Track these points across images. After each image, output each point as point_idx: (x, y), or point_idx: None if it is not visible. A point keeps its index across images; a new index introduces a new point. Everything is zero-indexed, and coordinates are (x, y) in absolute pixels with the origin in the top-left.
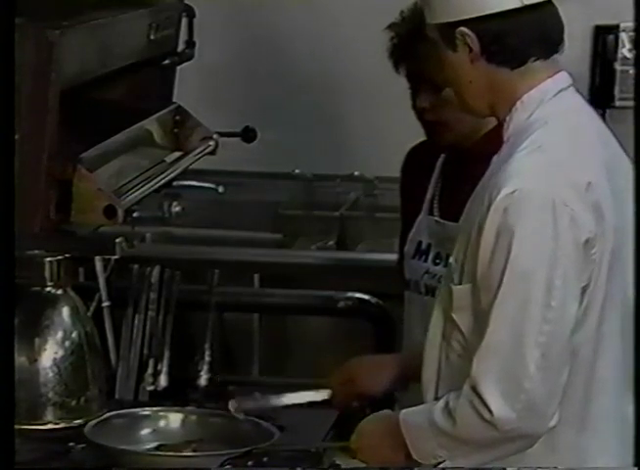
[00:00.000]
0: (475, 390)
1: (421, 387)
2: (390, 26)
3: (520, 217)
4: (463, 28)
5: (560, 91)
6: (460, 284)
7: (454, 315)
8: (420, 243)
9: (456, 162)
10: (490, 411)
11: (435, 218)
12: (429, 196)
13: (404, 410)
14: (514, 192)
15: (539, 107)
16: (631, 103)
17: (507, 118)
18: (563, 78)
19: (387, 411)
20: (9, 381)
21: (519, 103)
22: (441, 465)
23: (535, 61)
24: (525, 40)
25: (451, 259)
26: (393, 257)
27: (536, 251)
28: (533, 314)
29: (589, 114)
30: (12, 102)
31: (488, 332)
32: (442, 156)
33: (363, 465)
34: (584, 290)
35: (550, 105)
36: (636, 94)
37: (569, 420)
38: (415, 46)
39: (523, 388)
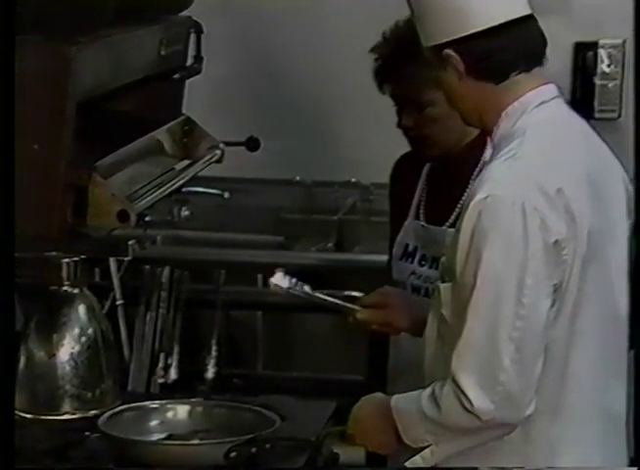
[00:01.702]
0: (455, 382)
1: (423, 376)
2: (374, 49)
3: (492, 220)
4: (447, 50)
5: (542, 103)
6: (446, 282)
7: (443, 311)
8: (407, 246)
9: (440, 170)
10: (470, 402)
11: (421, 223)
12: (415, 202)
13: (395, 396)
14: (487, 197)
15: (521, 117)
16: (610, 115)
17: (494, 128)
18: (547, 90)
19: (378, 394)
20: (9, 383)
21: (504, 114)
22: (428, 449)
23: (519, 74)
24: (508, 55)
25: (443, 259)
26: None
27: (508, 252)
28: (506, 311)
29: (574, 124)
30: (12, 108)
31: (466, 328)
32: (428, 164)
33: (360, 452)
34: (556, 288)
35: (531, 115)
36: (636, 100)
37: (542, 410)
38: (398, 67)
39: (499, 380)
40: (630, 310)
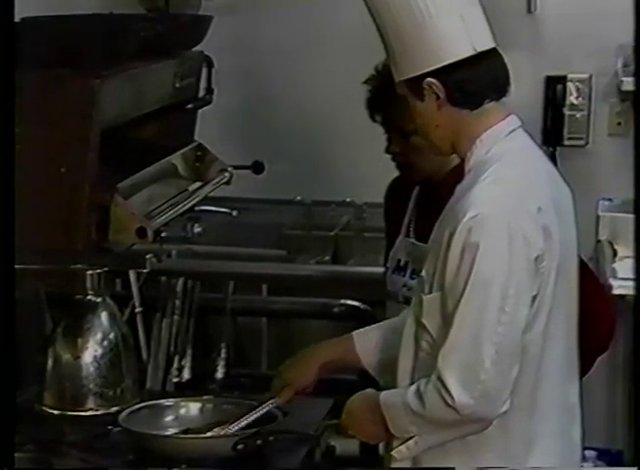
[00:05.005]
0: (440, 379)
1: (396, 379)
2: (367, 81)
3: (481, 237)
4: (430, 79)
5: (511, 131)
6: (430, 293)
7: (424, 320)
8: (399, 261)
9: (428, 192)
10: (452, 397)
11: (411, 240)
12: (406, 221)
13: (384, 392)
14: (476, 215)
15: (495, 144)
16: (578, 142)
17: (468, 154)
18: (513, 120)
19: (370, 390)
20: (9, 385)
21: (478, 141)
22: (412, 440)
23: (490, 102)
24: (481, 84)
25: (422, 273)
26: (379, 270)
27: (494, 265)
28: (490, 317)
29: (535, 150)
30: (12, 125)
31: (452, 332)
32: (417, 187)
33: (354, 445)
34: (534, 298)
35: (504, 142)
36: (636, 110)
37: (520, 406)
38: (386, 98)
39: (479, 379)
40: None
